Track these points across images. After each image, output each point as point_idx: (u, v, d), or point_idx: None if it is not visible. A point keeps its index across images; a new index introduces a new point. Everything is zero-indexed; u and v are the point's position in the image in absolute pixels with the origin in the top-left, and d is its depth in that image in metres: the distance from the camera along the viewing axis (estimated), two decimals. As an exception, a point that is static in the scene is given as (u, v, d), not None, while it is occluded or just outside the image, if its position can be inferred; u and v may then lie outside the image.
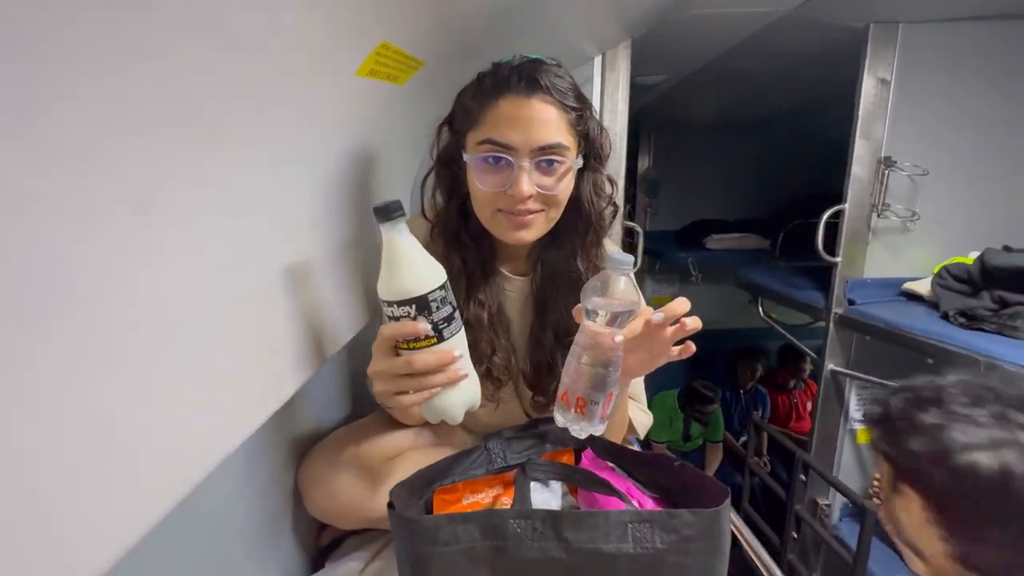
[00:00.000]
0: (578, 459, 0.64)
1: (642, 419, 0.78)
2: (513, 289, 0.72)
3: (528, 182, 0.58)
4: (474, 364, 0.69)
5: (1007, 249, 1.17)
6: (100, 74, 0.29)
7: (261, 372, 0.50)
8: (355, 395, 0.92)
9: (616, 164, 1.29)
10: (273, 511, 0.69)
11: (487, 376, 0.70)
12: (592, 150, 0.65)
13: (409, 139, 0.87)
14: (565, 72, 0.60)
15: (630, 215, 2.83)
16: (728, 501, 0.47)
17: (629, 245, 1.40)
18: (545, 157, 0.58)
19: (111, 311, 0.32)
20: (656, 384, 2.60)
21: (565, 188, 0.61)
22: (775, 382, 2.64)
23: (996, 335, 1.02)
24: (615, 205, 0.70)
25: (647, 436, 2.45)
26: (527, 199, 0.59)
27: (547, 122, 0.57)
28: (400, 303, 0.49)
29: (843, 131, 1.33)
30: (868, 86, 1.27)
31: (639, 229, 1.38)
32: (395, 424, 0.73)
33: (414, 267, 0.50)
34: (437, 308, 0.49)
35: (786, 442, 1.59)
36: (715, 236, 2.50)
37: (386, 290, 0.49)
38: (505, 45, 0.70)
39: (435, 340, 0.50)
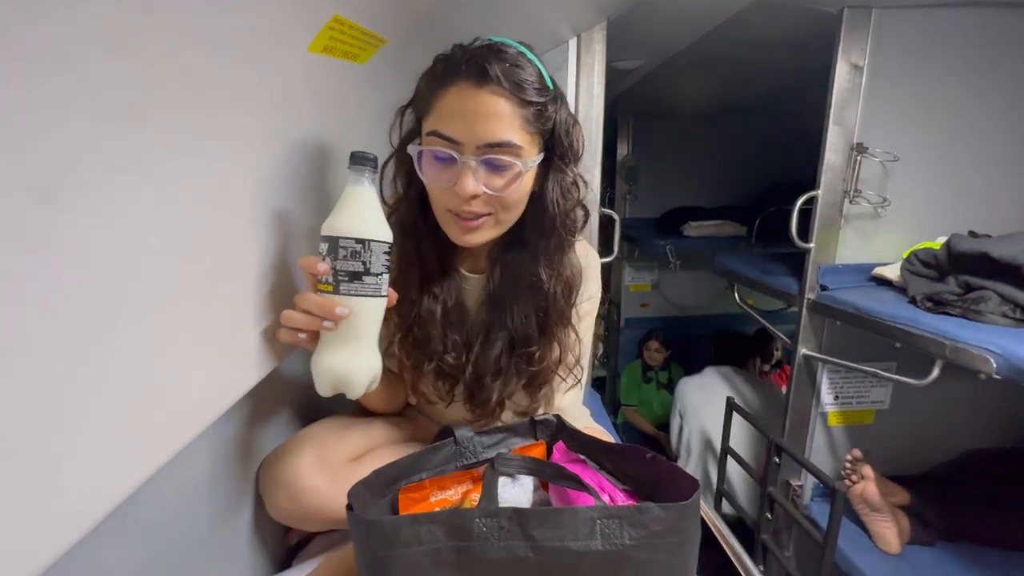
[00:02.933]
0: (549, 452, 0.63)
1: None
2: (470, 287, 0.69)
3: (473, 181, 0.53)
4: (425, 361, 0.67)
5: (972, 234, 1.19)
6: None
7: (207, 371, 0.47)
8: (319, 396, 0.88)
9: (592, 150, 1.27)
10: (236, 512, 0.66)
11: (438, 374, 0.68)
12: (559, 148, 0.59)
13: (375, 122, 0.83)
14: (528, 60, 0.55)
15: (610, 202, 2.82)
16: (698, 494, 0.46)
17: (607, 232, 1.39)
18: (492, 156, 0.53)
19: (15, 312, 0.29)
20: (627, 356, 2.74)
21: (516, 191, 0.56)
22: (748, 365, 2.69)
23: (960, 319, 1.04)
24: (585, 208, 0.65)
25: (619, 399, 2.56)
26: (472, 199, 0.55)
27: (496, 117, 0.52)
28: (322, 238, 0.51)
29: (817, 119, 1.34)
30: (841, 72, 1.27)
31: (616, 216, 1.37)
32: (360, 422, 0.70)
33: (348, 211, 0.52)
34: (343, 258, 0.50)
35: (759, 425, 1.62)
36: (693, 223, 2.51)
37: (322, 224, 0.52)
38: (474, 24, 0.67)
39: (329, 288, 0.51)
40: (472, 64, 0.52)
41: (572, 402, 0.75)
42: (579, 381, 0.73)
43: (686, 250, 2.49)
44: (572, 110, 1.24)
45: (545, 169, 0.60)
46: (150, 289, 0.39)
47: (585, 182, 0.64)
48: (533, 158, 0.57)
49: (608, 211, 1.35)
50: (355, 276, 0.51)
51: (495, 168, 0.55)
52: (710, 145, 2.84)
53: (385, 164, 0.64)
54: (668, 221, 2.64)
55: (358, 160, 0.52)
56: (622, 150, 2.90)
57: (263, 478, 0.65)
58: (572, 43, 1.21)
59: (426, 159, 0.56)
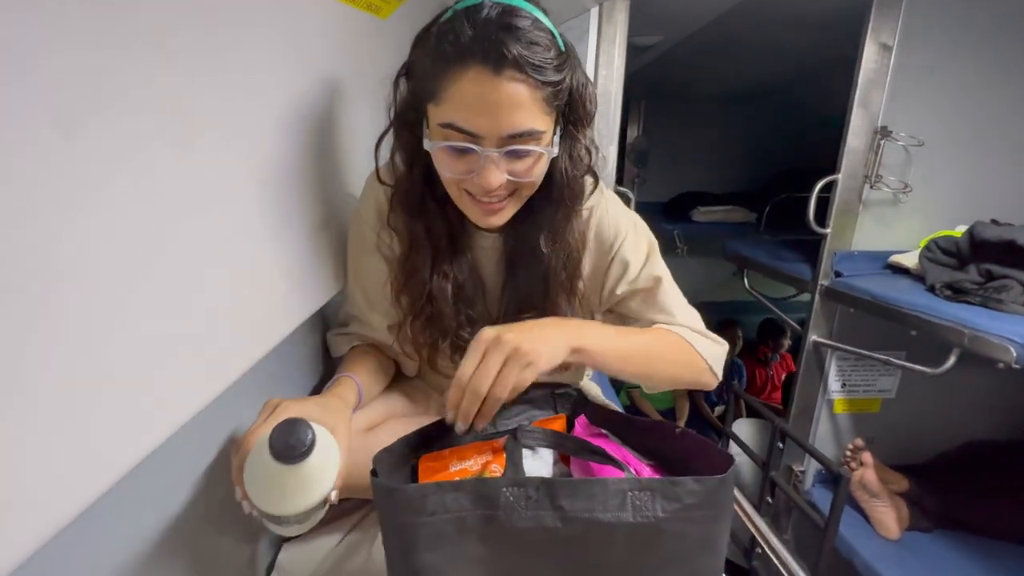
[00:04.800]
0: (571, 426, 0.61)
1: (713, 349, 0.67)
2: (487, 244, 0.67)
3: (496, 173, 0.51)
4: (439, 338, 0.65)
5: (995, 223, 1.17)
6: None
7: (219, 334, 0.45)
8: (330, 364, 0.86)
9: (610, 125, 1.24)
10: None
11: (454, 349, 0.67)
12: (573, 114, 0.56)
13: (389, 84, 0.80)
14: (543, 27, 0.49)
15: (619, 183, 2.78)
16: (733, 468, 0.45)
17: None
18: (515, 146, 0.50)
19: (26, 259, 0.27)
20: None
21: (539, 172, 0.54)
22: (754, 354, 2.69)
23: (980, 308, 1.03)
24: (595, 175, 0.62)
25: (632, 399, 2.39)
26: (496, 189, 0.52)
27: (518, 106, 0.48)
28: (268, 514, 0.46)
29: (834, 105, 1.31)
30: (869, 52, 1.23)
31: (631, 196, 1.35)
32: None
33: (260, 487, 0.45)
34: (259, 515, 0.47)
35: (764, 411, 1.62)
36: (701, 208, 2.49)
37: (261, 502, 0.45)
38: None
39: None
40: (488, 47, 0.46)
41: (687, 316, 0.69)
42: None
43: (694, 235, 2.46)
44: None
45: (560, 140, 0.57)
46: (166, 242, 0.37)
47: (596, 147, 0.61)
48: (554, 139, 0.54)
49: (623, 189, 1.32)
50: (275, 521, 0.47)
51: (517, 156, 0.52)
52: (721, 130, 2.79)
53: (382, 137, 0.59)
54: (676, 206, 2.61)
55: (283, 456, 0.42)
56: (632, 132, 2.85)
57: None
58: (594, 13, 1.17)
59: (445, 153, 0.52)
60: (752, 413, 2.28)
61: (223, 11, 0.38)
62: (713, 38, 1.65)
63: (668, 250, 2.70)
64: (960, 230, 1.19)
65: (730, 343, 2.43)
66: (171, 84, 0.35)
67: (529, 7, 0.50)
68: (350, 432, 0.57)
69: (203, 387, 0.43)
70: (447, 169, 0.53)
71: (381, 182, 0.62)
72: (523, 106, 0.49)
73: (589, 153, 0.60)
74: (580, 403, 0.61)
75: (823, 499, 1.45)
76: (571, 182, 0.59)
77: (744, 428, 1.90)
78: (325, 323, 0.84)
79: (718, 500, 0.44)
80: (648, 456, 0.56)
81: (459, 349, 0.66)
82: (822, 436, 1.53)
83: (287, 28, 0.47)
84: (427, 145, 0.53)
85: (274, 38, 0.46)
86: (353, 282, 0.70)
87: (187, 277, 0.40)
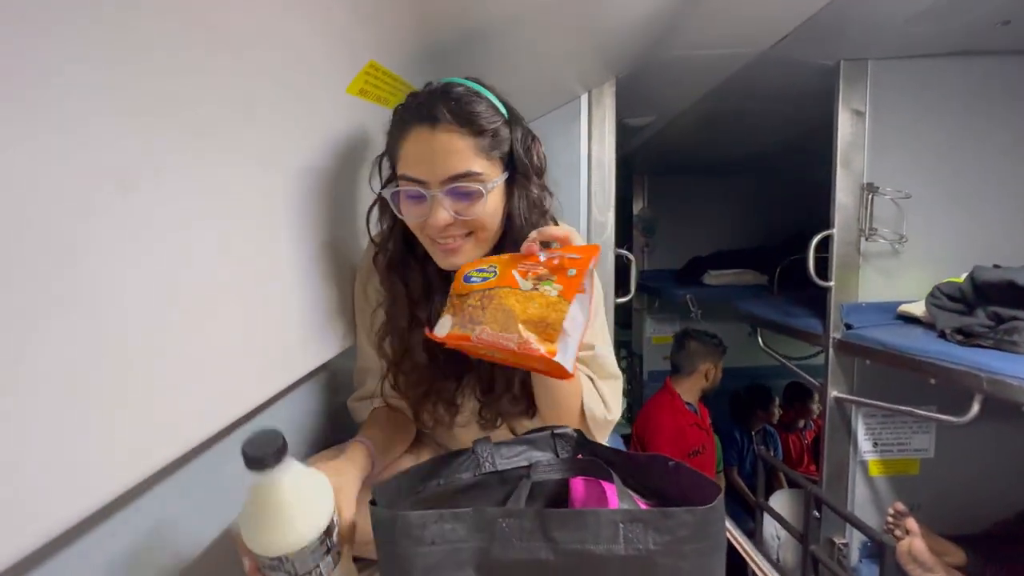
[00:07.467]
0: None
1: (597, 411, 0.69)
2: None
3: (443, 212, 0.59)
4: (423, 391, 0.69)
5: (996, 268, 1.17)
6: (90, 54, 0.32)
7: (216, 381, 0.48)
8: (333, 428, 0.88)
9: (607, 194, 1.33)
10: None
11: (434, 401, 0.70)
12: (520, 166, 0.64)
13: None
14: (477, 94, 0.60)
15: (626, 246, 2.86)
16: (721, 497, 0.45)
17: (624, 274, 1.41)
18: (455, 186, 0.58)
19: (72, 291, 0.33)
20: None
21: (485, 211, 0.61)
22: (783, 422, 2.56)
23: (994, 351, 1.01)
24: (555, 221, 0.68)
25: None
26: (445, 228, 0.60)
27: (453, 152, 0.58)
28: (267, 558, 0.45)
29: (829, 165, 1.38)
30: (844, 118, 1.33)
31: (631, 257, 1.40)
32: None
33: (257, 523, 0.45)
34: (268, 567, 0.46)
35: (798, 478, 1.53)
36: (712, 272, 2.52)
37: (255, 542, 0.45)
38: (493, 79, 0.73)
39: None
40: (423, 109, 0.58)
41: (613, 392, 0.73)
42: (612, 374, 0.73)
43: (706, 299, 2.48)
44: (585, 157, 1.33)
45: (510, 187, 0.65)
46: (197, 280, 0.43)
47: (551, 193, 0.68)
48: (495, 179, 0.61)
49: (623, 252, 1.38)
50: (277, 569, 0.46)
51: (460, 196, 0.59)
52: (725, 195, 2.91)
53: (371, 208, 0.69)
54: (688, 271, 2.65)
55: (254, 462, 0.42)
56: (638, 204, 3.00)
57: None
58: (584, 98, 1.31)
59: (400, 200, 0.61)
60: (792, 484, 2.13)
61: (249, 99, 0.47)
62: (702, 115, 1.79)
63: (683, 314, 2.74)
64: (963, 277, 1.19)
65: (769, 415, 2.32)
66: (203, 158, 0.43)
67: (467, 82, 0.62)
68: (357, 490, 0.58)
69: (211, 416, 0.47)
70: (407, 214, 0.62)
71: (372, 241, 0.71)
72: (458, 152, 0.58)
73: (544, 198, 0.67)
74: (580, 443, 0.62)
75: (873, 575, 1.31)
76: (532, 223, 0.65)
77: (783, 500, 1.77)
78: (335, 388, 0.87)
79: (710, 532, 0.44)
80: (648, 496, 0.56)
81: (440, 401, 0.70)
82: (861, 503, 1.42)
83: (307, 118, 0.57)
84: (384, 193, 0.62)
85: (295, 126, 0.55)
86: (363, 336, 0.75)
87: (210, 311, 0.45)
